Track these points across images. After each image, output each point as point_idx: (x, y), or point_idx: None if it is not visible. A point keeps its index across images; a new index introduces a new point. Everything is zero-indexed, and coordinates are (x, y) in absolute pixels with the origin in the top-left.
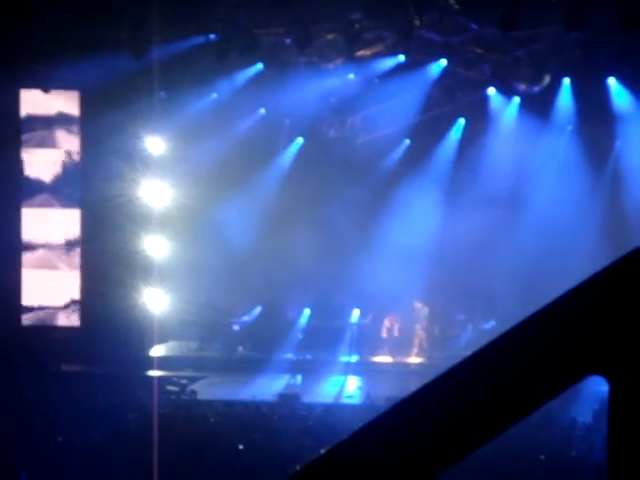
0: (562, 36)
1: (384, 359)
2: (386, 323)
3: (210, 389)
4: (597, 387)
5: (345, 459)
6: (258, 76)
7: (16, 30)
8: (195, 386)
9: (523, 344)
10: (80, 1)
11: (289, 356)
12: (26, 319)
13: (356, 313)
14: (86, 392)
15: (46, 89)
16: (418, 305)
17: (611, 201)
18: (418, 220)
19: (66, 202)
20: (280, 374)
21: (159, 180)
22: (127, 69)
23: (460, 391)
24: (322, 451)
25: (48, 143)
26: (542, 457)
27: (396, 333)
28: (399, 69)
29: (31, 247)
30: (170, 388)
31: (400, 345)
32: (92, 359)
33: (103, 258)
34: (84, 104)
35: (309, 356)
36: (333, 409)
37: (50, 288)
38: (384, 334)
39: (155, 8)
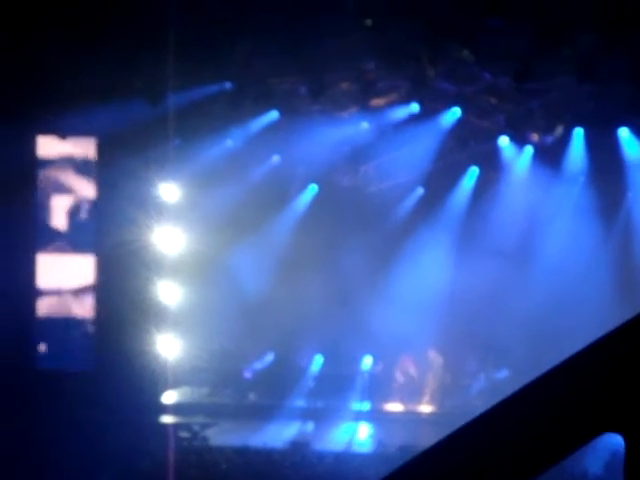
0: (575, 88)
1: (395, 407)
2: (400, 367)
3: (222, 436)
4: (609, 439)
5: None
6: (272, 124)
7: (30, 78)
8: (207, 432)
9: (538, 402)
10: (95, 49)
11: (300, 403)
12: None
13: (368, 361)
14: (97, 438)
15: (63, 136)
16: (432, 354)
17: (623, 252)
18: (430, 269)
19: (81, 248)
20: (291, 421)
21: (173, 226)
22: (142, 116)
23: (475, 448)
24: None
25: (64, 189)
26: None
27: (408, 378)
28: (413, 118)
29: (45, 293)
30: (182, 434)
31: (412, 393)
32: (104, 405)
33: (117, 303)
34: (100, 150)
35: (320, 403)
36: (344, 457)
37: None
38: (397, 378)
39: (171, 55)
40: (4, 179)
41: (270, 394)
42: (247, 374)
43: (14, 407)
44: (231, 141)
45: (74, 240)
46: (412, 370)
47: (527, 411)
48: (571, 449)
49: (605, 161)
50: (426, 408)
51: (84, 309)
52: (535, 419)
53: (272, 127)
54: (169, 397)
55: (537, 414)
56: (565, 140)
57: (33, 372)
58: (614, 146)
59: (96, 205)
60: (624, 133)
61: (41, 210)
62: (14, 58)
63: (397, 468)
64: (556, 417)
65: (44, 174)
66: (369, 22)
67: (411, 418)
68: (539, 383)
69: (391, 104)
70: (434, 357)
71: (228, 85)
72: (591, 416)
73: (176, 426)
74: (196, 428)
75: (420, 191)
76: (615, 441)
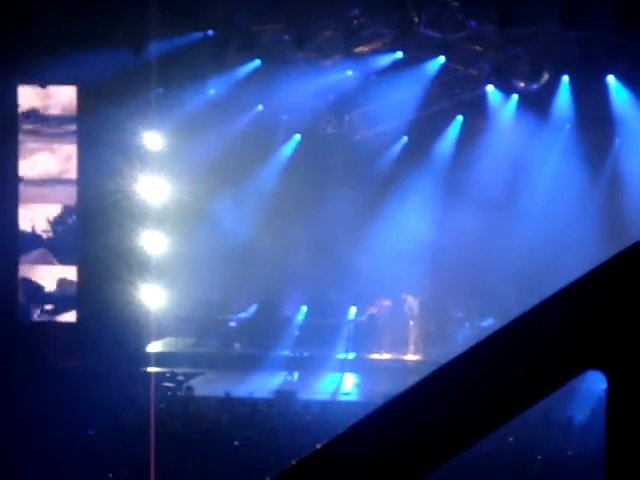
0: (560, 34)
1: (380, 356)
2: (376, 305)
3: (206, 385)
4: (594, 386)
5: (340, 454)
6: (256, 72)
7: (14, 24)
8: (191, 382)
9: (520, 339)
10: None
11: (286, 353)
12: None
13: (353, 310)
14: (82, 388)
15: (43, 84)
16: (409, 298)
17: (609, 198)
18: (415, 217)
19: (62, 199)
20: (277, 371)
21: (156, 176)
22: (125, 65)
23: (455, 387)
24: (317, 447)
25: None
26: (539, 457)
27: (387, 319)
28: (397, 66)
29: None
30: (166, 384)
31: (397, 342)
32: (89, 355)
33: (100, 254)
34: (81, 99)
35: (306, 353)
36: (330, 406)
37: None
38: (376, 320)
39: (153, 4)
40: None
41: (255, 344)
42: (232, 324)
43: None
44: (214, 90)
45: (56, 192)
46: (390, 311)
47: (507, 349)
48: (553, 387)
49: (592, 108)
50: (412, 357)
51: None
52: (515, 357)
53: (255, 75)
54: (153, 347)
55: (517, 352)
56: (551, 88)
57: (18, 324)
58: (601, 93)
59: (79, 154)
60: (611, 80)
61: (23, 164)
62: None
63: (375, 410)
64: (537, 355)
65: (25, 126)
66: None
67: (397, 367)
68: (519, 321)
69: (376, 52)
70: (411, 301)
71: (211, 33)
72: (573, 353)
73: (160, 376)
74: (180, 378)
75: (405, 139)
76: (599, 388)
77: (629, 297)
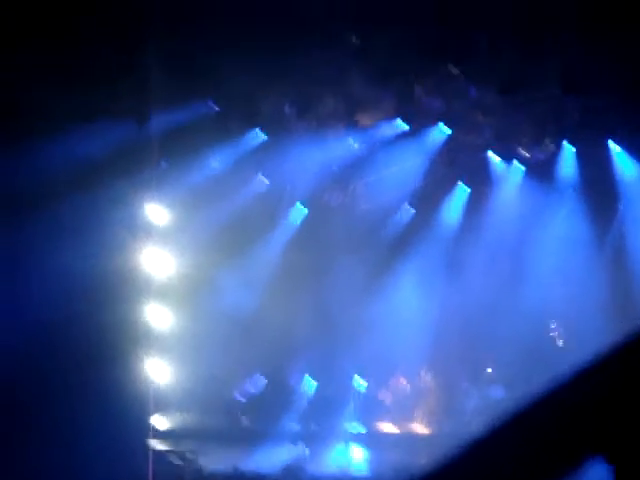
0: (561, 100)
1: (389, 428)
2: (392, 387)
3: (214, 461)
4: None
5: None
6: (258, 144)
7: (9, 101)
8: (199, 458)
9: (528, 428)
10: (76, 71)
11: (293, 426)
12: None
13: (360, 382)
14: (90, 465)
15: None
16: (424, 374)
17: (616, 267)
18: (420, 288)
19: None
20: (284, 444)
21: (161, 249)
22: (127, 138)
23: (465, 475)
24: None
25: None
26: None
27: (401, 398)
28: (400, 136)
29: None
30: (175, 461)
31: (405, 414)
32: (95, 431)
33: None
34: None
35: (313, 426)
36: None
37: None
38: (389, 398)
39: (154, 76)
40: None
41: (263, 417)
42: (239, 397)
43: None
44: (218, 162)
45: None
46: (405, 390)
47: (515, 439)
48: (560, 475)
49: (596, 175)
50: (420, 429)
51: None
52: (524, 446)
53: (258, 147)
54: (160, 423)
55: (525, 441)
56: (555, 155)
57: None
58: (605, 159)
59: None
60: (614, 146)
61: None
62: None
63: None
64: (544, 444)
65: None
66: (354, 38)
67: (405, 439)
68: (527, 410)
69: (378, 122)
70: (426, 377)
71: (213, 105)
72: (579, 443)
73: (168, 453)
74: (189, 455)
75: (410, 210)
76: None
77: (634, 389)
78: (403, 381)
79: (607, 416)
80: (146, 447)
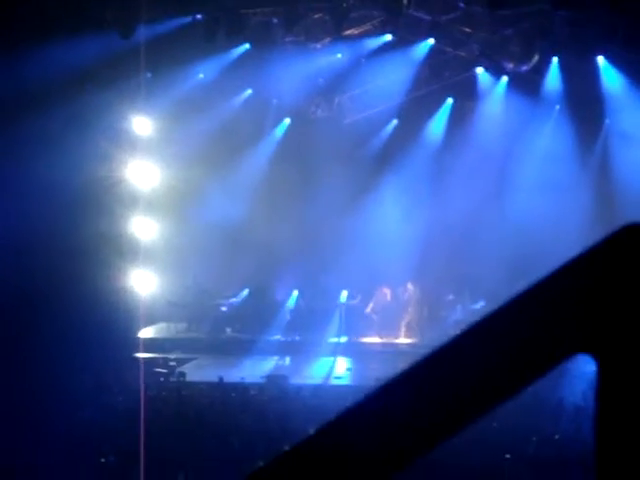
0: (550, 15)
1: (373, 340)
2: (377, 298)
3: (198, 371)
4: (585, 368)
5: (333, 440)
6: (245, 56)
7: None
8: (183, 368)
9: (509, 323)
10: None
11: (277, 338)
12: None
13: (344, 294)
14: (74, 373)
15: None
16: (409, 286)
17: (600, 180)
18: (406, 202)
19: None
20: (268, 356)
21: (146, 161)
22: (113, 49)
23: (445, 371)
24: (310, 432)
25: None
26: (534, 438)
27: (385, 310)
28: (387, 48)
29: None
30: (158, 370)
31: (389, 326)
32: (80, 340)
33: (91, 240)
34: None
35: (297, 337)
36: (322, 390)
37: None
38: (374, 309)
39: None
40: None
41: (247, 329)
42: (223, 309)
43: None
44: (203, 74)
45: None
46: (389, 300)
47: (497, 332)
48: (543, 370)
49: (582, 90)
50: (404, 340)
51: None
52: (506, 340)
53: (244, 59)
54: (145, 333)
55: (507, 335)
56: (541, 69)
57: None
58: (591, 74)
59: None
60: (601, 61)
61: None
62: None
63: (368, 394)
64: (526, 338)
65: None
66: None
67: (389, 351)
68: (508, 305)
69: (365, 34)
70: (412, 289)
71: (200, 17)
72: (562, 337)
73: (152, 361)
74: (172, 363)
75: (395, 122)
76: (590, 370)
77: (619, 280)
78: (387, 292)
79: (592, 311)
80: (133, 357)
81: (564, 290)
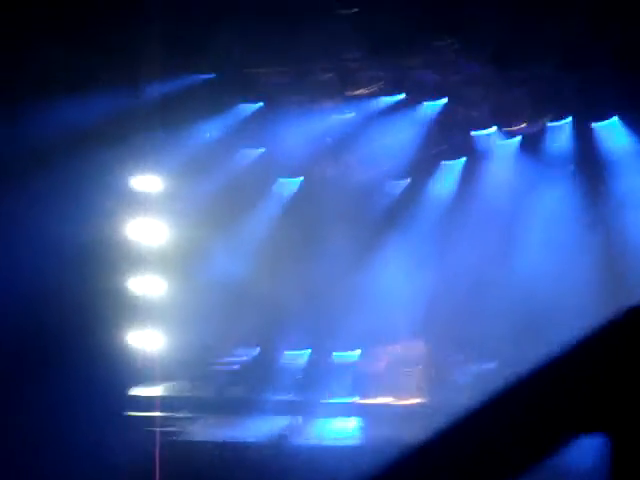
0: (560, 75)
1: (382, 400)
2: (385, 357)
3: (204, 430)
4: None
5: None
6: (254, 115)
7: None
8: (190, 427)
9: (522, 400)
10: (73, 38)
11: (285, 397)
12: None
13: (352, 354)
14: (79, 435)
15: None
16: (418, 345)
17: (607, 241)
18: (414, 262)
19: None
20: (276, 415)
21: (155, 219)
22: (123, 107)
23: (457, 448)
24: None
25: None
26: None
27: (394, 369)
28: (396, 108)
29: None
30: (168, 429)
31: (398, 386)
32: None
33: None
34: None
35: (305, 397)
36: (330, 450)
37: None
38: (382, 369)
39: (151, 45)
40: None
41: (254, 388)
42: (231, 367)
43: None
44: (212, 132)
45: None
46: (397, 360)
47: (510, 411)
48: (556, 449)
49: (593, 151)
50: (412, 400)
51: None
52: (518, 419)
53: (254, 118)
54: (147, 392)
55: (520, 414)
56: (553, 130)
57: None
58: (603, 136)
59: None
60: (613, 122)
61: None
62: None
63: (383, 466)
64: (540, 417)
65: None
66: (352, 10)
67: (398, 411)
68: (522, 383)
69: (373, 95)
70: (418, 348)
71: (209, 75)
72: (577, 416)
73: (158, 421)
74: (183, 422)
75: (404, 182)
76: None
77: (632, 362)
78: (395, 351)
79: (604, 389)
80: (126, 418)
81: (578, 370)
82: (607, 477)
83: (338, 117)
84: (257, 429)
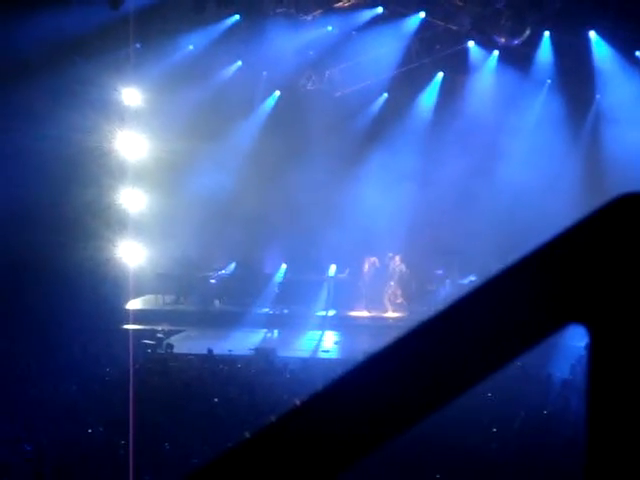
0: None
1: (361, 314)
2: (365, 268)
3: (186, 343)
4: (573, 342)
5: (319, 411)
6: (235, 28)
7: None
8: (172, 340)
9: (500, 294)
10: None
11: (266, 310)
12: None
13: (333, 268)
14: (62, 343)
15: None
16: (397, 258)
17: (590, 154)
18: (395, 175)
19: None
20: (257, 328)
21: (135, 132)
22: (102, 20)
23: (433, 344)
24: (296, 403)
25: None
26: (522, 413)
27: (373, 281)
28: (378, 21)
29: None
30: (146, 342)
31: (377, 299)
32: (68, 312)
33: (79, 211)
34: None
35: (286, 311)
36: (309, 363)
37: None
38: (362, 280)
39: None
40: None
41: (235, 301)
42: (212, 281)
43: None
44: (193, 45)
45: None
46: (376, 272)
47: (487, 304)
48: (534, 341)
49: (573, 64)
50: (392, 314)
51: None
52: (496, 311)
53: (234, 31)
54: (133, 304)
55: (498, 306)
56: (532, 43)
57: None
58: (582, 49)
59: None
60: (593, 35)
61: None
62: None
63: (355, 365)
64: (518, 308)
65: None
66: None
67: (377, 324)
68: (500, 276)
69: (355, 7)
70: (398, 261)
71: None
72: (554, 307)
73: (140, 333)
74: (160, 335)
75: (385, 96)
76: (579, 345)
77: (615, 250)
78: (376, 264)
79: (585, 281)
80: (121, 328)
81: (559, 259)
82: (587, 368)
83: (320, 30)
84: (242, 342)
